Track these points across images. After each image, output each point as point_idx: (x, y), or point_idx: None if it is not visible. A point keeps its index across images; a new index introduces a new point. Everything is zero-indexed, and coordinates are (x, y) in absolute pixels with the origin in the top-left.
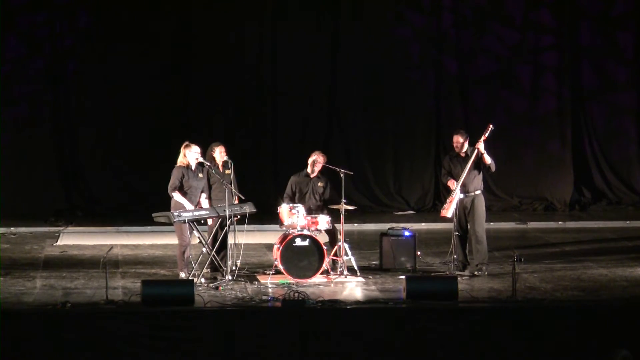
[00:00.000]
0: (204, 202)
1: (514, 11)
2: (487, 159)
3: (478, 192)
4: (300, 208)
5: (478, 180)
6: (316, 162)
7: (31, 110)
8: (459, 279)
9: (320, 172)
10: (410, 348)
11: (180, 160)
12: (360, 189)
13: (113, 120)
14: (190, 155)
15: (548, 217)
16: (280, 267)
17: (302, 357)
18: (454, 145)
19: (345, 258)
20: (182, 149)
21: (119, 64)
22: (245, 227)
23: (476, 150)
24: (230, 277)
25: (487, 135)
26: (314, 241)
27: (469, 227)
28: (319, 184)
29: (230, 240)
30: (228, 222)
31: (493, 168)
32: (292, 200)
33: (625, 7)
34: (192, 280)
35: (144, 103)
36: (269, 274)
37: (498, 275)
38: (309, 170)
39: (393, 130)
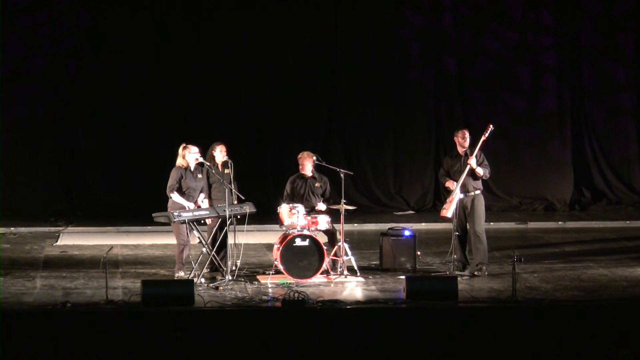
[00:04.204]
0: (203, 202)
1: (514, 11)
2: (480, 172)
3: (478, 192)
4: (300, 208)
5: (477, 180)
6: (302, 163)
7: (31, 110)
8: (459, 279)
9: (318, 171)
10: (410, 348)
11: (179, 162)
12: (360, 189)
13: (113, 121)
14: (190, 156)
15: (548, 217)
16: (280, 267)
17: (302, 356)
18: (461, 139)
19: (345, 258)
20: (180, 151)
21: (119, 64)
22: (245, 227)
23: (468, 166)
24: (230, 277)
25: (487, 135)
26: (314, 241)
27: (468, 227)
28: (317, 184)
29: (230, 240)
30: (228, 222)
31: (487, 177)
32: (292, 201)
33: (626, 7)
34: (192, 280)
35: (144, 103)
36: (269, 274)
37: (498, 275)
38: (301, 171)
39: (393, 130)
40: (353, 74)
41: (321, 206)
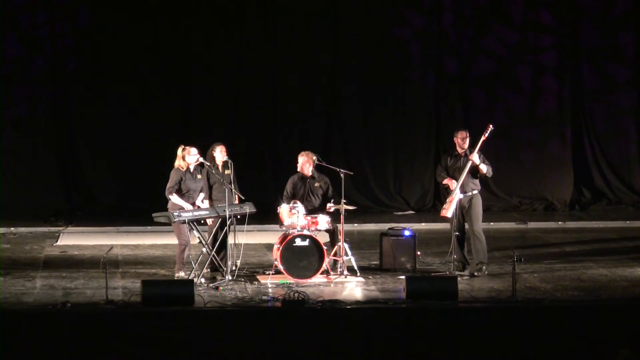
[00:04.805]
0: (203, 203)
1: (514, 11)
2: (483, 169)
3: (475, 191)
4: (301, 208)
5: (475, 180)
6: (301, 163)
7: (31, 110)
8: (459, 279)
9: (318, 172)
10: (411, 348)
11: (179, 164)
12: (360, 189)
13: (113, 120)
14: (190, 158)
15: (548, 217)
16: (280, 267)
17: (302, 356)
18: (460, 140)
19: (345, 258)
20: (179, 153)
21: (119, 64)
22: (245, 227)
23: (470, 162)
24: (230, 277)
25: (487, 135)
26: (314, 241)
27: (467, 226)
28: (316, 184)
29: (230, 240)
30: (228, 222)
31: (490, 175)
32: (292, 201)
33: (625, 7)
34: (192, 280)
35: (144, 103)
36: (269, 274)
37: (498, 275)
38: (301, 171)
39: (393, 130)
40: (353, 74)
41: (330, 206)
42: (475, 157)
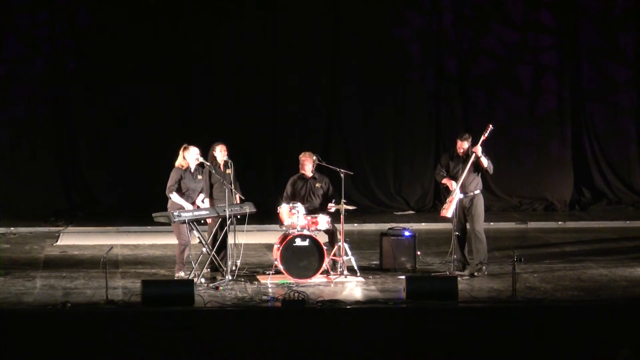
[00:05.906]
0: (203, 203)
1: (514, 11)
2: (484, 163)
3: (477, 191)
4: (300, 208)
5: (477, 180)
6: (302, 163)
7: (31, 111)
8: (459, 279)
9: (319, 172)
10: (411, 348)
11: (179, 163)
12: (360, 189)
13: (113, 120)
14: (190, 157)
15: (548, 217)
16: (280, 267)
17: (303, 356)
18: (458, 149)
19: (345, 258)
20: (180, 152)
21: (119, 64)
22: (245, 227)
23: (474, 155)
24: (230, 277)
25: (486, 135)
26: (314, 241)
27: (468, 226)
28: (317, 184)
29: (230, 240)
30: (228, 222)
31: (490, 171)
32: (292, 201)
33: (626, 7)
34: (192, 280)
35: (144, 103)
36: (269, 274)
37: (498, 275)
38: (301, 171)
39: (393, 130)
40: (353, 74)
41: (331, 206)
42: (478, 150)
